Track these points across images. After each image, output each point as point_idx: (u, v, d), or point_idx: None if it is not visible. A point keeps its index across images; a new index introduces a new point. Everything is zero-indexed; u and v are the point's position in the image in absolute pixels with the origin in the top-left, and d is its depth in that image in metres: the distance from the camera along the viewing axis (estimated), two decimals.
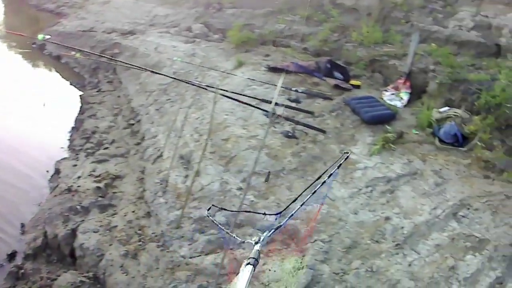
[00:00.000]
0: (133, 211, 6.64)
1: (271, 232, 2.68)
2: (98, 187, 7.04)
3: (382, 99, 7.84)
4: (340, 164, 3.35)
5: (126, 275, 5.50)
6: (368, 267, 5.01)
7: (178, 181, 6.64)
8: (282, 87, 7.37)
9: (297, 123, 5.88)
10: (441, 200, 5.73)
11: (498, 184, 5.81)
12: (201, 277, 5.12)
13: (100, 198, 6.82)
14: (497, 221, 5.33)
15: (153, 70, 7.39)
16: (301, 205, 3.04)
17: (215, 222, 3.03)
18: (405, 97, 7.78)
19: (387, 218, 5.55)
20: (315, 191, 3.18)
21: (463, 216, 5.43)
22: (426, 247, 5.12)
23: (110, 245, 5.88)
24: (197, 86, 6.58)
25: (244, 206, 5.67)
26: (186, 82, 6.63)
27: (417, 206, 5.70)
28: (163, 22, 14.37)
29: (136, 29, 13.59)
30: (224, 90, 6.60)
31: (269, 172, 5.66)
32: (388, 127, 6.90)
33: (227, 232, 3.04)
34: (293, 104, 6.57)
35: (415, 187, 6.01)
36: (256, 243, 2.56)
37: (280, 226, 2.79)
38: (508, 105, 6.32)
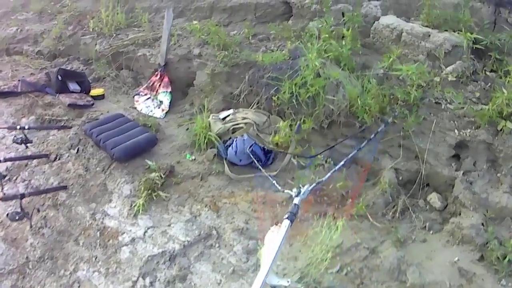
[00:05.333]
0: None
1: (312, 186, 2.62)
2: None
3: (135, 109, 5.19)
4: (387, 122, 3.56)
5: None
6: None
7: None
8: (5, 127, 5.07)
9: (22, 196, 3.79)
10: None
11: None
12: None
13: None
14: None
15: None
16: (345, 161, 3.17)
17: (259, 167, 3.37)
18: (165, 99, 5.15)
19: None
20: (360, 148, 3.33)
21: None
22: None
23: None
24: None
25: None
26: None
27: None
28: None
29: None
30: None
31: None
32: (149, 162, 4.31)
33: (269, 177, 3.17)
34: (22, 148, 4.49)
35: (215, 262, 3.45)
36: (296, 196, 2.48)
37: (322, 180, 2.80)
38: (329, 96, 4.03)
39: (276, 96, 4.23)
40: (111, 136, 4.42)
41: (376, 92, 3.95)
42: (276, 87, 4.20)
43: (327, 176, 2.90)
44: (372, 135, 3.66)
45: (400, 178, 3.92)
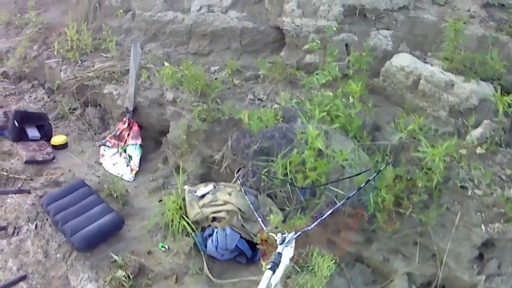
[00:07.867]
0: None
1: (297, 234, 2.49)
2: None
3: (101, 165, 4.39)
4: (380, 171, 3.11)
5: None
6: None
7: None
8: None
9: None
10: None
11: None
12: None
13: None
14: None
15: None
16: (336, 207, 2.91)
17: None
18: (135, 154, 4.33)
19: None
20: (353, 194, 3.03)
21: None
22: None
23: None
24: None
25: None
26: None
27: None
28: None
29: None
30: None
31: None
32: (114, 256, 3.57)
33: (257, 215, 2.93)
34: None
35: None
36: (280, 243, 2.34)
37: (308, 229, 2.65)
38: (334, 187, 3.23)
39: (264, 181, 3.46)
40: (70, 217, 3.72)
41: (392, 181, 3.18)
42: (266, 169, 3.40)
43: (313, 225, 2.67)
44: (364, 184, 3.11)
45: (413, 286, 3.26)
